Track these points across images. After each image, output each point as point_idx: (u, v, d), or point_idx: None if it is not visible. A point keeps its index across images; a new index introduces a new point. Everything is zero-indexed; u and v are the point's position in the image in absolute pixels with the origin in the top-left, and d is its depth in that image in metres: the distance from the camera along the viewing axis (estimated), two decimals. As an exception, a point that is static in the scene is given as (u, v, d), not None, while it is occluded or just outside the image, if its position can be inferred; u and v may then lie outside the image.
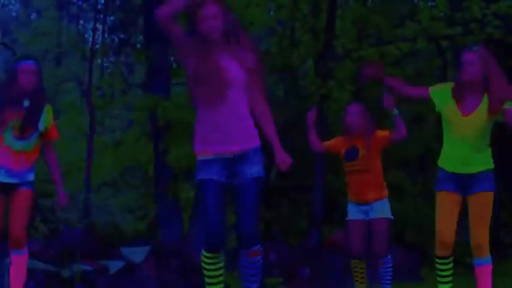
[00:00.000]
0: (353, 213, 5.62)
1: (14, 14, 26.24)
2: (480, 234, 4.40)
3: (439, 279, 4.61)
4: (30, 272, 7.20)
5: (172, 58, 12.24)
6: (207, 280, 3.72)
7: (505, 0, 11.93)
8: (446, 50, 14.70)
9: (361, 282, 5.65)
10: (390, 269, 5.49)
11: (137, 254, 8.33)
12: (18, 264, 4.62)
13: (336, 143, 5.70)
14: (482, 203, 4.42)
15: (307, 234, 12.50)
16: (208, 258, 3.66)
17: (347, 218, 5.67)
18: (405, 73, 14.01)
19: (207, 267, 3.68)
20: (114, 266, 7.96)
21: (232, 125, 3.69)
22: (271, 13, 14.50)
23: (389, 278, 5.49)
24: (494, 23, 11.80)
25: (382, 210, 5.50)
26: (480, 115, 4.40)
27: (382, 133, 5.55)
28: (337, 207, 14.34)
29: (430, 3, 13.52)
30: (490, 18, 11.85)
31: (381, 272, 5.51)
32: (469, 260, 4.47)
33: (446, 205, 4.49)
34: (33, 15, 24.96)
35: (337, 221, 14.01)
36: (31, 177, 4.70)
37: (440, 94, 4.56)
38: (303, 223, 13.59)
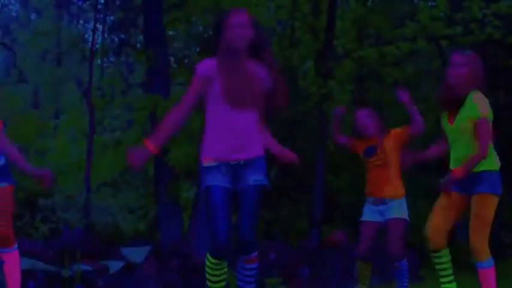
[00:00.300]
0: (368, 214, 5.58)
1: (14, 14, 26.25)
2: (475, 238, 4.35)
3: (440, 273, 4.58)
4: (30, 272, 7.21)
5: (172, 58, 12.25)
6: (210, 285, 3.73)
7: (505, 0, 11.94)
8: (446, 50, 14.70)
9: (363, 284, 5.62)
10: (406, 273, 5.45)
11: (137, 254, 8.33)
12: (11, 262, 4.59)
13: (354, 144, 5.71)
14: (480, 205, 4.37)
15: (307, 234, 12.50)
16: (213, 264, 3.67)
17: (361, 219, 5.61)
18: (405, 73, 14.02)
19: (212, 272, 3.69)
20: (114, 266, 7.96)
21: (238, 133, 3.69)
22: (271, 13, 14.50)
23: (407, 282, 5.47)
24: (494, 23, 11.81)
25: (399, 210, 5.47)
26: (462, 121, 4.40)
27: (399, 129, 5.58)
28: (337, 207, 14.35)
29: (430, 3, 13.52)
30: (490, 18, 11.85)
31: (397, 276, 5.47)
32: (472, 260, 4.45)
33: (442, 200, 4.51)
34: (33, 15, 24.97)
35: (337, 221, 14.02)
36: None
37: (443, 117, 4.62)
38: (303, 223, 13.59)
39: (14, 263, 4.60)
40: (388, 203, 5.48)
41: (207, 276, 3.70)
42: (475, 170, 4.38)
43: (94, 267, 7.76)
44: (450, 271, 4.58)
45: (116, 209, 14.20)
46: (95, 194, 14.23)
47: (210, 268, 3.68)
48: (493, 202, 4.38)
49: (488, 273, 4.39)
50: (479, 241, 4.36)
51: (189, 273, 8.33)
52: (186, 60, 15.57)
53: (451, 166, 4.52)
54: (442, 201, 4.51)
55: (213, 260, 3.65)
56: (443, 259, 4.55)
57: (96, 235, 11.18)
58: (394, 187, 5.51)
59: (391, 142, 5.51)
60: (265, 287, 8.60)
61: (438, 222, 4.47)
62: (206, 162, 3.73)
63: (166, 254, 8.65)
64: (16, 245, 4.61)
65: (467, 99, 4.38)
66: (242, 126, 3.70)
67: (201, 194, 3.80)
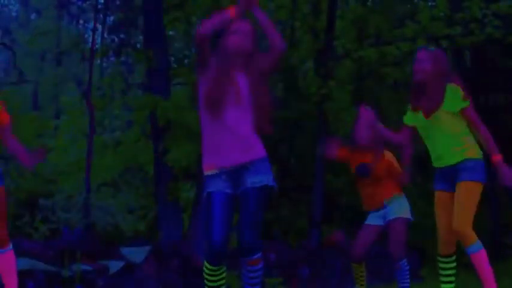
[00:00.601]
0: (371, 218, 5.58)
1: (14, 14, 26.27)
2: (459, 220, 4.30)
3: (442, 278, 4.61)
4: (30, 272, 7.21)
5: (172, 58, 12.24)
6: None
7: (505, 0, 11.95)
8: (446, 50, 14.69)
9: (361, 285, 5.63)
10: (407, 273, 5.45)
11: (137, 254, 8.34)
12: (6, 263, 4.57)
13: (347, 156, 5.64)
14: (462, 192, 4.35)
15: (307, 234, 12.51)
16: (210, 270, 3.68)
17: (365, 223, 5.62)
18: (405, 73, 14.01)
19: (209, 278, 3.70)
20: (114, 266, 7.97)
21: (231, 139, 3.73)
22: (271, 13, 14.50)
23: (408, 283, 5.47)
24: (494, 23, 11.81)
25: (399, 210, 5.48)
26: (439, 112, 4.44)
27: (394, 162, 5.49)
28: (337, 207, 14.35)
29: (430, 3, 13.53)
30: (490, 18, 11.86)
31: (397, 276, 5.48)
32: (468, 258, 4.45)
33: (440, 204, 4.54)
34: (33, 15, 24.98)
35: (337, 221, 14.02)
36: None
37: (410, 114, 4.67)
38: (303, 223, 13.59)
39: (9, 264, 4.59)
40: (386, 206, 5.50)
41: (206, 281, 3.73)
42: (455, 160, 4.43)
43: (94, 267, 7.76)
44: (453, 278, 4.60)
45: (116, 209, 14.18)
46: (95, 194, 14.21)
47: (208, 274, 3.70)
48: (475, 189, 4.36)
49: (479, 257, 4.33)
50: (462, 225, 4.30)
51: (189, 274, 8.34)
52: (186, 60, 15.57)
53: (436, 164, 4.56)
54: (441, 206, 4.53)
55: (209, 267, 3.67)
56: (451, 264, 4.58)
57: (96, 235, 11.19)
58: (389, 192, 5.52)
59: (384, 166, 5.46)
60: (265, 287, 8.60)
61: (450, 228, 4.45)
62: (207, 171, 3.79)
63: (166, 254, 8.65)
64: (11, 246, 4.59)
65: (447, 91, 4.42)
66: (235, 129, 3.72)
67: (203, 199, 3.84)
